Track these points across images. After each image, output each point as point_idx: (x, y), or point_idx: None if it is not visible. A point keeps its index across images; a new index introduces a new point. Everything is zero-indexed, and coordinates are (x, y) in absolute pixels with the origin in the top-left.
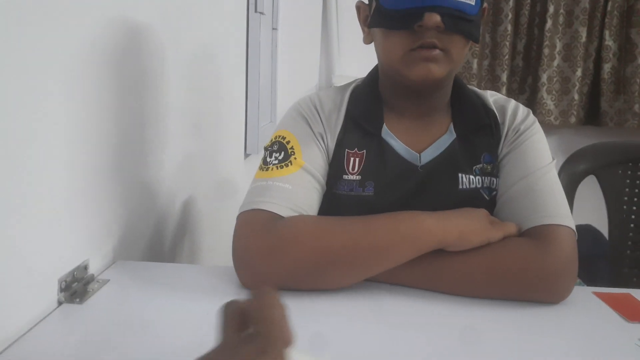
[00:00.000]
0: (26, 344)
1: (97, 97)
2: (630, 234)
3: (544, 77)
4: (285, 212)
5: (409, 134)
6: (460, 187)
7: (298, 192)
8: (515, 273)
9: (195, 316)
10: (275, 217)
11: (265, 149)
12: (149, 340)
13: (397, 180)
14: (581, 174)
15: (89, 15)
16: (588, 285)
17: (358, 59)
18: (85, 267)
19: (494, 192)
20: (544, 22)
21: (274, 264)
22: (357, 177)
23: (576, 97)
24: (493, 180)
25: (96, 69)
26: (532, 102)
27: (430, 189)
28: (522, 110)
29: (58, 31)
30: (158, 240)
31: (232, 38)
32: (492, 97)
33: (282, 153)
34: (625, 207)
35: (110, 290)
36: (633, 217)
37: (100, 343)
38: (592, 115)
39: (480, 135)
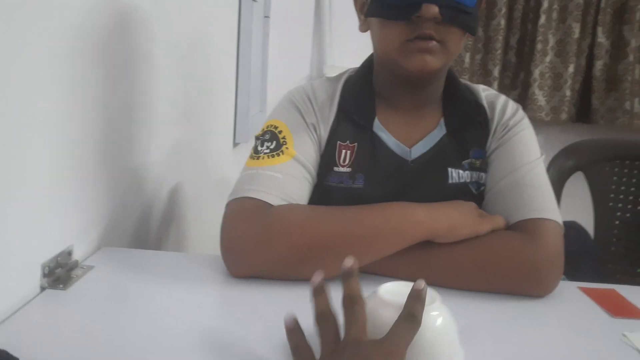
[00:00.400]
0: (7, 330)
1: (83, 83)
2: (615, 231)
3: (536, 73)
4: (275, 201)
5: (400, 128)
6: (450, 181)
7: (289, 181)
8: (503, 265)
9: (180, 304)
10: (264, 206)
11: (257, 137)
12: (132, 327)
13: (388, 173)
14: (569, 170)
15: None
16: (574, 279)
17: (350, 50)
18: (69, 253)
19: (482, 187)
20: (538, 17)
21: (262, 253)
22: (348, 169)
23: (568, 93)
24: (481, 175)
25: (82, 53)
26: (523, 98)
27: (420, 183)
28: (512, 105)
29: (42, 14)
30: (144, 227)
31: (223, 25)
32: (484, 92)
33: (274, 142)
34: (611, 203)
35: (95, 277)
36: (619, 213)
37: (83, 330)
38: (582, 112)
39: (470, 130)
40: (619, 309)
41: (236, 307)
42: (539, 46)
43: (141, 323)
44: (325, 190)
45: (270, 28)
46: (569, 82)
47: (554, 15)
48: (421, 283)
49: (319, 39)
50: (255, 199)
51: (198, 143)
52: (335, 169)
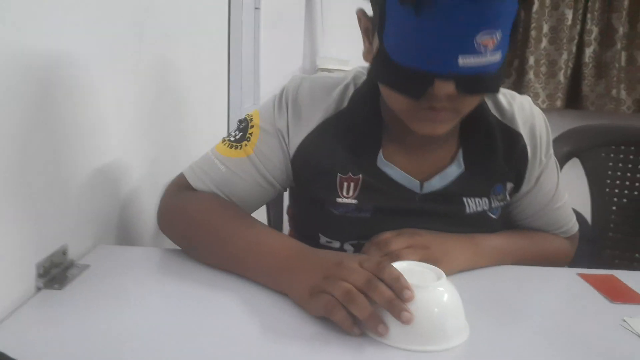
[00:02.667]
0: (3, 331)
1: (73, 76)
2: (613, 216)
3: (532, 60)
4: (202, 189)
5: (409, 161)
6: (468, 211)
7: (230, 178)
8: (556, 258)
9: (178, 301)
10: (189, 189)
11: (239, 120)
12: (130, 326)
13: (396, 205)
14: (565, 157)
15: None
16: (572, 265)
17: (342, 40)
18: (64, 252)
19: (500, 208)
20: (531, 4)
21: (165, 228)
22: (353, 201)
23: (562, 80)
24: (502, 201)
25: (69, 44)
26: (519, 85)
27: (434, 213)
28: (545, 120)
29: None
30: (140, 224)
31: (213, 17)
32: (519, 113)
33: (241, 134)
34: (607, 189)
35: (91, 276)
36: (615, 199)
37: (80, 330)
38: (573, 99)
39: (494, 163)
40: (618, 294)
41: (236, 304)
42: (533, 33)
43: (139, 322)
44: (333, 217)
45: (262, 20)
46: (563, 68)
47: (547, 1)
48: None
49: (311, 30)
50: (188, 180)
51: (192, 138)
52: (339, 200)
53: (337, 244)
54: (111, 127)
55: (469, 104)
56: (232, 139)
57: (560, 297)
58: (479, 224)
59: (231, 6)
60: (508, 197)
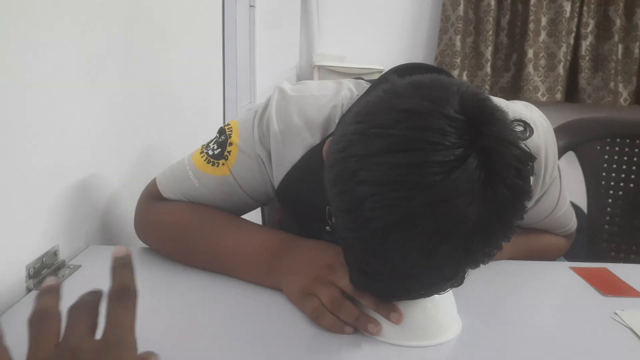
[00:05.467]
0: None
1: (66, 77)
2: (608, 209)
3: (530, 53)
4: (174, 200)
5: None
6: None
7: (203, 193)
8: (552, 253)
9: (173, 302)
10: (160, 199)
11: (219, 129)
12: None
13: None
14: (560, 150)
15: None
16: (566, 258)
17: (339, 36)
18: (55, 253)
19: None
20: None
21: (145, 241)
22: None
23: (562, 72)
24: None
25: (60, 44)
26: (518, 79)
27: None
28: (553, 142)
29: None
30: (133, 223)
31: (206, 16)
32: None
33: (219, 150)
34: (603, 182)
35: (82, 277)
36: (611, 192)
37: None
38: (570, 92)
39: None
40: (610, 287)
41: (230, 304)
42: (531, 26)
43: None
44: (322, 237)
45: (257, 17)
46: (562, 61)
47: None
48: (122, 249)
49: (307, 26)
50: (159, 189)
51: (187, 137)
52: (328, 228)
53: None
54: (103, 125)
55: None
56: (210, 152)
57: (553, 291)
58: None
59: (225, 4)
60: None
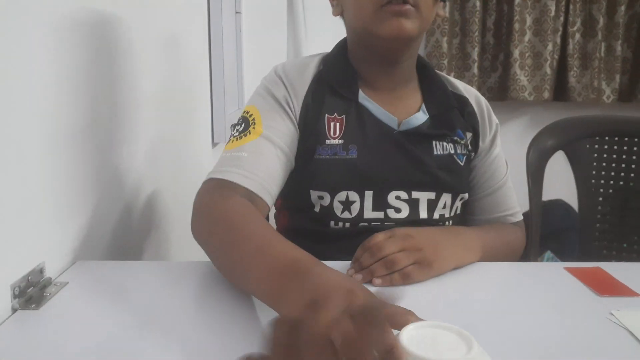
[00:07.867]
0: None
1: (54, 88)
2: (599, 207)
3: (516, 53)
4: (237, 178)
5: (383, 105)
6: (435, 152)
7: (253, 159)
8: (514, 246)
9: (164, 318)
10: (226, 184)
11: (232, 126)
12: (112, 346)
13: (377, 142)
14: (550, 150)
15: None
16: (559, 257)
17: (325, 41)
18: (41, 270)
19: (465, 156)
20: None
21: (196, 233)
22: (340, 141)
23: (548, 71)
24: (465, 148)
25: (49, 57)
26: (505, 79)
27: (408, 152)
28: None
29: (23, 18)
30: (122, 237)
31: (192, 23)
32: (461, 84)
33: (243, 125)
34: (593, 180)
35: (70, 293)
36: (601, 190)
37: (58, 351)
38: (559, 90)
39: (451, 115)
40: (605, 287)
41: (220, 318)
42: (516, 26)
43: (121, 341)
44: (318, 164)
45: (243, 24)
46: (549, 60)
47: None
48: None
49: (293, 31)
50: (218, 179)
51: (175, 145)
52: (327, 141)
53: (327, 199)
54: (87, 137)
55: (426, 1)
56: (237, 133)
57: (548, 292)
58: (449, 168)
59: (211, 11)
60: (470, 146)
